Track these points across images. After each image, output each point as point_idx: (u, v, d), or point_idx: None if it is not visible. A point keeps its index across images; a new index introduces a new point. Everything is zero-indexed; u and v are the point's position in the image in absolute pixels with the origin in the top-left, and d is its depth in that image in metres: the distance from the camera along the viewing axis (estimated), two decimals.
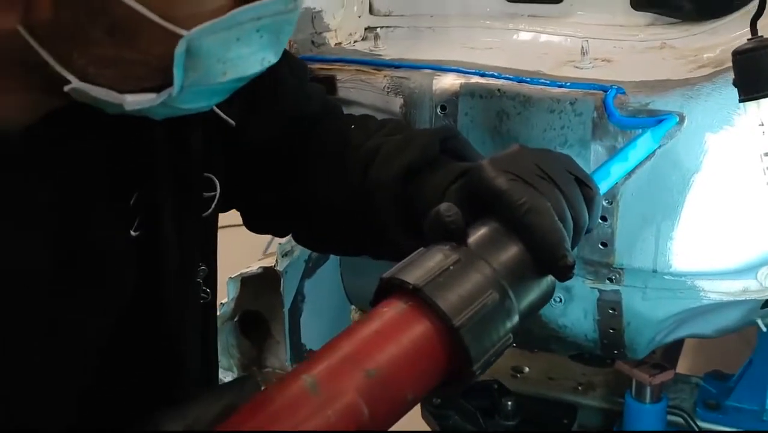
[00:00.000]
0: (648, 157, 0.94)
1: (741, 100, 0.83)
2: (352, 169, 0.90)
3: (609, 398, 1.79)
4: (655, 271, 1.06)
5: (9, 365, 0.66)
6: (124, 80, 0.61)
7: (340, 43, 1.31)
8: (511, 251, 0.67)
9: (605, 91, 0.97)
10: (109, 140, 0.71)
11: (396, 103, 1.14)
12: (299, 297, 1.39)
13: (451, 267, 0.64)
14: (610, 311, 1.15)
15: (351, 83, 1.18)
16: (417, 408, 1.57)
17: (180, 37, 0.58)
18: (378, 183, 0.86)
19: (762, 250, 1.04)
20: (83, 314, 0.71)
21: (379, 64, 1.16)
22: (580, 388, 1.84)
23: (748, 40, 0.83)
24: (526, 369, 1.93)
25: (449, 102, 1.09)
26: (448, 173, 0.81)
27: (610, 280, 1.11)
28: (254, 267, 1.34)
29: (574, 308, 1.17)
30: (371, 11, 1.35)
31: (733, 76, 0.85)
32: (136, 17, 0.57)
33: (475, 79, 1.07)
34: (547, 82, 1.02)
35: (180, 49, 0.59)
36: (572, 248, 0.70)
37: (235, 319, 1.40)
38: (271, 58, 0.65)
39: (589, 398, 1.81)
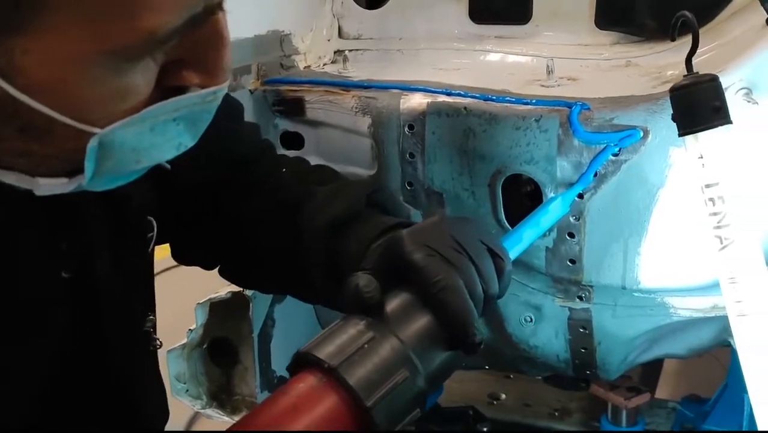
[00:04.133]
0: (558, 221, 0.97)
1: (680, 135, 0.85)
2: (281, 215, 0.92)
3: (585, 423, 1.78)
4: (624, 288, 1.05)
5: None
6: (36, 168, 0.62)
7: (309, 66, 1.31)
8: (423, 326, 0.71)
9: (570, 108, 0.97)
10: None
11: (364, 123, 1.14)
12: (269, 322, 1.36)
13: (366, 345, 0.67)
14: (580, 329, 1.14)
15: (319, 104, 1.18)
16: None
17: (93, 134, 0.58)
18: (305, 233, 0.89)
19: None
20: (21, 359, 0.70)
21: (348, 85, 1.16)
22: (556, 414, 1.84)
23: (684, 76, 0.85)
24: (503, 396, 1.92)
25: (417, 121, 1.09)
26: (372, 229, 0.84)
27: (580, 298, 1.11)
28: (222, 292, 1.32)
29: (544, 327, 1.17)
30: (340, 35, 1.36)
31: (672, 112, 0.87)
32: (48, 119, 0.56)
33: (442, 98, 1.07)
34: (513, 99, 1.02)
35: (92, 144, 0.58)
36: (481, 315, 0.74)
37: (204, 346, 1.38)
38: (188, 143, 0.65)
39: (565, 423, 1.80)
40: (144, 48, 0.55)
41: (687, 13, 0.84)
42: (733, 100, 0.91)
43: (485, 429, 1.64)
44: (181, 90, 0.61)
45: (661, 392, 2.17)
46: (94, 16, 0.52)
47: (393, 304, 0.71)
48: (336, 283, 0.81)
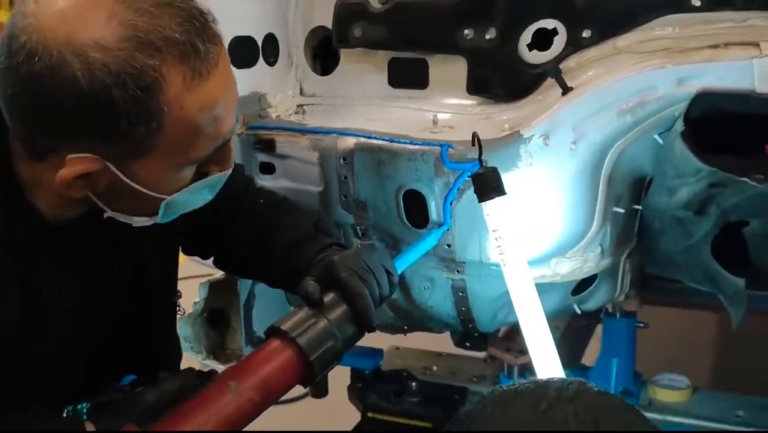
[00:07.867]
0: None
1: (479, 201, 1.38)
2: (258, 236, 1.42)
3: (494, 383, 2.25)
4: (481, 262, 1.56)
5: (27, 363, 1.12)
6: (134, 213, 1.14)
7: (279, 116, 1.77)
8: (343, 314, 1.20)
9: (441, 147, 1.48)
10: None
11: (314, 156, 1.62)
12: (251, 296, 1.78)
13: (311, 325, 1.16)
14: (460, 294, 1.63)
15: (285, 143, 1.67)
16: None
17: (164, 199, 1.10)
18: (274, 249, 1.39)
19: (552, 245, 1.56)
20: (89, 326, 1.20)
21: (303, 131, 1.65)
22: (474, 379, 2.28)
23: (479, 168, 1.38)
24: (435, 367, 2.36)
25: (348, 155, 1.57)
26: (318, 246, 1.34)
27: (458, 271, 1.61)
28: (218, 274, 1.76)
29: (436, 293, 1.65)
30: (301, 93, 1.80)
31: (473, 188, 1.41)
32: (145, 194, 1.07)
33: (364, 140, 1.55)
34: (407, 141, 1.51)
35: (163, 204, 1.12)
36: (378, 306, 1.25)
37: (204, 315, 1.78)
38: (209, 197, 1.18)
39: (479, 385, 2.23)
40: (193, 164, 1.09)
41: (476, 132, 1.37)
42: (535, 144, 1.45)
43: (413, 384, 2.12)
44: (207, 173, 1.14)
45: None
46: (173, 153, 1.05)
47: (327, 300, 1.20)
48: (292, 279, 1.33)
